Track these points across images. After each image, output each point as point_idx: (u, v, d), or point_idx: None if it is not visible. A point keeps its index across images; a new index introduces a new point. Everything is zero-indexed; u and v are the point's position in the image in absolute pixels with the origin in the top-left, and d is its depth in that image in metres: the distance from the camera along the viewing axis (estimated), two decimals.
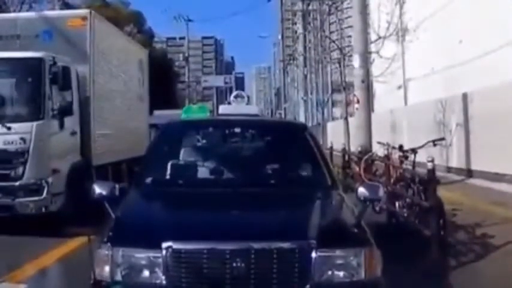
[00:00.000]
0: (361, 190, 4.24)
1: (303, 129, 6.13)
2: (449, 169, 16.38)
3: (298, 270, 3.70)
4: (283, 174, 5.41)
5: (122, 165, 12.51)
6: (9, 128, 8.70)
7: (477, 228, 8.18)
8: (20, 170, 8.70)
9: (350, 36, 23.96)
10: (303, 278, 3.70)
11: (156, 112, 24.66)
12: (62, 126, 9.26)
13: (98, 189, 4.38)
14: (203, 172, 5.40)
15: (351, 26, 19.48)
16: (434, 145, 8.85)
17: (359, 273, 3.77)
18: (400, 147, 8.77)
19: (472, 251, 7.16)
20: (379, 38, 18.79)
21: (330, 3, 28.48)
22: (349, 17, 30.96)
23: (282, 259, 3.69)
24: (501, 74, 14.07)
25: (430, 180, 6.80)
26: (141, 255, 3.79)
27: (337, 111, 41.14)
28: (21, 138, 8.67)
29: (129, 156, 12.99)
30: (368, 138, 13.02)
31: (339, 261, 3.78)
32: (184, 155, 5.88)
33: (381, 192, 4.38)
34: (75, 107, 9.83)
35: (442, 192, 7.60)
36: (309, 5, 43.28)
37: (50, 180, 8.81)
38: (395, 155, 9.38)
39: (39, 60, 9.06)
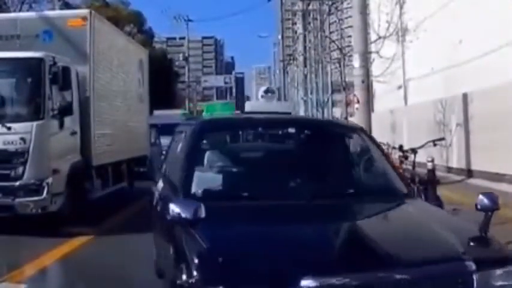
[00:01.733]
0: (481, 198, 3.90)
1: (361, 131, 5.52)
2: (449, 169, 16.38)
3: None
4: (356, 182, 4.91)
5: (122, 165, 12.52)
6: (9, 128, 8.69)
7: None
8: (20, 170, 8.68)
9: (350, 36, 23.96)
10: None
11: (156, 112, 24.67)
12: (62, 126, 9.24)
13: (177, 210, 3.50)
14: (262, 181, 4.61)
15: (350, 26, 19.48)
16: (434, 145, 8.83)
17: None
18: (400, 147, 8.75)
19: None
20: (379, 38, 18.78)
21: (330, 3, 28.46)
22: (349, 17, 30.96)
23: (444, 287, 3.20)
24: (501, 74, 14.05)
25: (430, 180, 6.80)
26: None
27: (337, 111, 41.04)
28: (21, 138, 8.66)
29: (129, 156, 13.03)
30: None
31: (499, 283, 3.31)
32: (230, 160, 5.10)
33: (499, 200, 4.01)
34: (75, 107, 9.81)
35: (442, 192, 7.62)
36: (308, 5, 43.20)
37: (50, 180, 8.78)
38: (395, 155, 9.37)
39: (39, 60, 9.04)
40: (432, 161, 6.58)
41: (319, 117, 41.01)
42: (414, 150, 8.28)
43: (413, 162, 8.28)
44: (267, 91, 5.72)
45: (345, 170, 5.05)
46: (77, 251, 7.96)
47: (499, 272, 3.31)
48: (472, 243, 3.52)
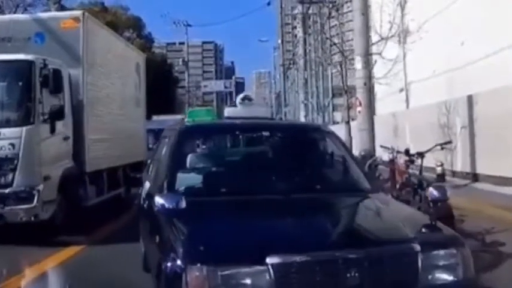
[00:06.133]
0: (431, 191, 4.42)
1: (329, 132, 6.05)
2: (454, 173, 16.03)
3: (408, 276, 3.62)
4: (325, 179, 5.34)
5: (118, 171, 12.20)
6: None
7: (487, 235, 7.84)
8: (10, 176, 8.35)
9: (350, 40, 23.71)
10: (412, 284, 3.62)
11: (155, 117, 24.47)
12: (53, 131, 8.90)
13: (161, 201, 4.09)
14: (240, 179, 5.10)
15: (351, 30, 19.18)
16: (442, 148, 8.48)
17: (458, 274, 3.74)
18: (407, 151, 8.39)
19: (483, 260, 6.78)
20: (382, 39, 18.47)
21: (330, 6, 28.09)
22: (350, 21, 30.68)
23: (393, 265, 3.59)
24: (504, 77, 13.80)
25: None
26: (243, 274, 3.41)
27: (338, 116, 40.86)
28: (11, 144, 8.34)
29: (126, 162, 12.69)
30: (371, 141, 12.67)
31: (441, 263, 3.73)
32: (211, 161, 5.60)
33: (448, 193, 4.60)
34: (68, 111, 9.49)
35: None
36: (308, 8, 43.01)
37: (40, 187, 8.45)
38: (401, 159, 9.03)
39: (30, 63, 8.73)
40: (441, 165, 6.25)
41: (320, 120, 40.85)
42: (421, 154, 7.93)
43: (421, 166, 7.93)
44: (243, 98, 5.86)
45: (314, 168, 5.46)
46: (69, 261, 7.62)
47: (441, 253, 3.75)
48: (420, 229, 3.98)
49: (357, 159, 5.66)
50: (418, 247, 3.63)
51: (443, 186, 4.56)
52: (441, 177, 6.35)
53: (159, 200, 4.09)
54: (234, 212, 4.39)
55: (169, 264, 3.55)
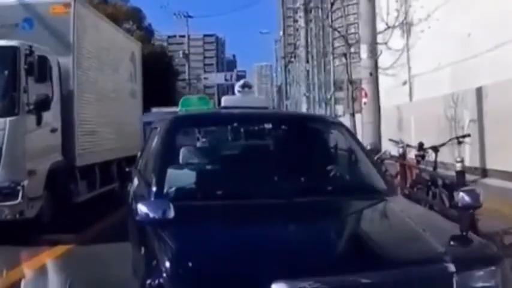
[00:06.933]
0: (462, 195, 3.72)
1: (340, 125, 5.35)
2: None
3: None
4: (335, 179, 4.69)
5: (111, 166, 11.66)
6: None
7: (505, 236, 7.28)
8: None
9: (352, 33, 23.15)
10: None
11: (154, 109, 24.06)
12: (39, 122, 8.38)
13: (145, 210, 3.44)
14: (240, 179, 4.44)
15: (354, 23, 18.62)
16: (459, 142, 7.97)
17: None
18: (420, 145, 7.83)
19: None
20: (388, 27, 17.91)
21: None
22: (354, 13, 30.03)
23: None
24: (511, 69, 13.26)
25: (461, 184, 5.76)
26: None
27: (339, 109, 40.33)
28: None
29: (120, 156, 12.14)
30: (377, 135, 12.11)
31: (479, 285, 3.16)
32: (205, 157, 5.05)
33: (482, 198, 3.82)
34: (56, 101, 8.97)
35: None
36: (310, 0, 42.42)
37: (25, 182, 7.92)
38: (410, 153, 8.47)
39: (14, 49, 8.22)
40: (462, 161, 5.67)
41: (322, 113, 40.35)
42: (436, 148, 7.37)
43: (435, 162, 7.36)
44: (243, 86, 5.30)
45: (324, 167, 4.80)
46: (57, 261, 7.08)
47: (479, 273, 3.17)
48: (452, 243, 3.37)
49: (371, 156, 5.04)
50: (452, 267, 3.06)
51: (475, 189, 3.95)
52: (461, 174, 5.74)
53: (142, 208, 3.45)
54: (232, 224, 3.77)
55: (153, 284, 2.99)
